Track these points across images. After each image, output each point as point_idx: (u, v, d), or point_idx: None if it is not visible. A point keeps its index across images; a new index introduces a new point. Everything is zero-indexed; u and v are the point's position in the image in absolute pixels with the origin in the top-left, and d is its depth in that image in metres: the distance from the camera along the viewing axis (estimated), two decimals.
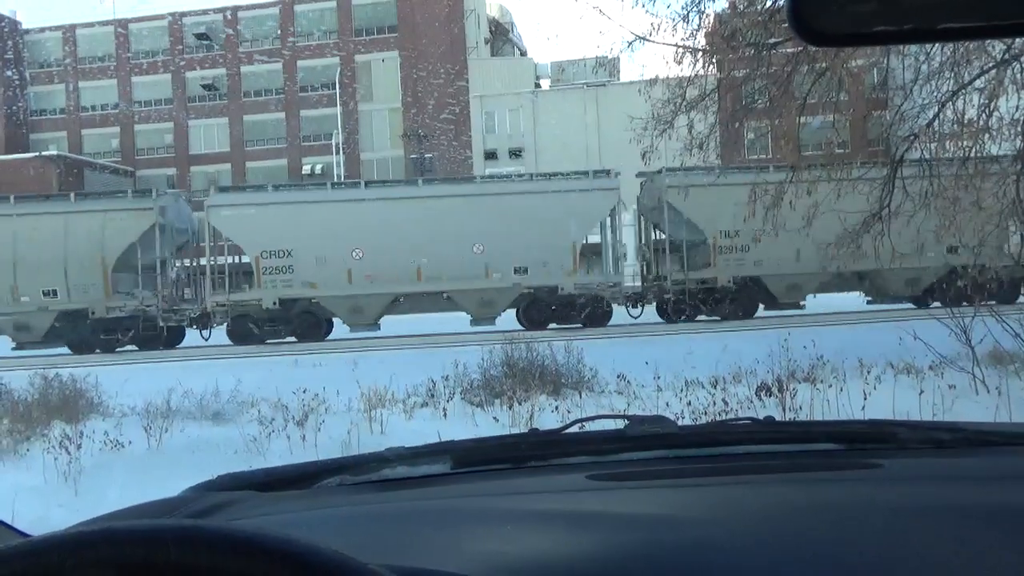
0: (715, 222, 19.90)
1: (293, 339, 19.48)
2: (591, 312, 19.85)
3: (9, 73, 45.45)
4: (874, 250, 9.96)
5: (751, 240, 19.43)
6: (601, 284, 20.19)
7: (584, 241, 20.57)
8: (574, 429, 1.58)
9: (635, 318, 20.25)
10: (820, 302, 21.21)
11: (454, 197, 20.35)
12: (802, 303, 20.78)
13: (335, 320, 20.45)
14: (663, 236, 21.16)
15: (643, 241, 22.13)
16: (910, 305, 20.40)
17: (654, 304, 20.84)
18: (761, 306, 20.76)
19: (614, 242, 20.60)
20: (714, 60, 9.55)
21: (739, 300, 20.37)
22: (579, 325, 19.50)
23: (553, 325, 19.63)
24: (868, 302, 20.73)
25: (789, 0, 0.85)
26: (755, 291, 20.57)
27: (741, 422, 1.69)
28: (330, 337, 19.95)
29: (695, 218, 20.31)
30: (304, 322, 19.86)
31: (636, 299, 20.88)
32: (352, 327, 19.81)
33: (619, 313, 20.41)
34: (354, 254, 19.43)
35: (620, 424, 1.54)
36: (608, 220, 20.52)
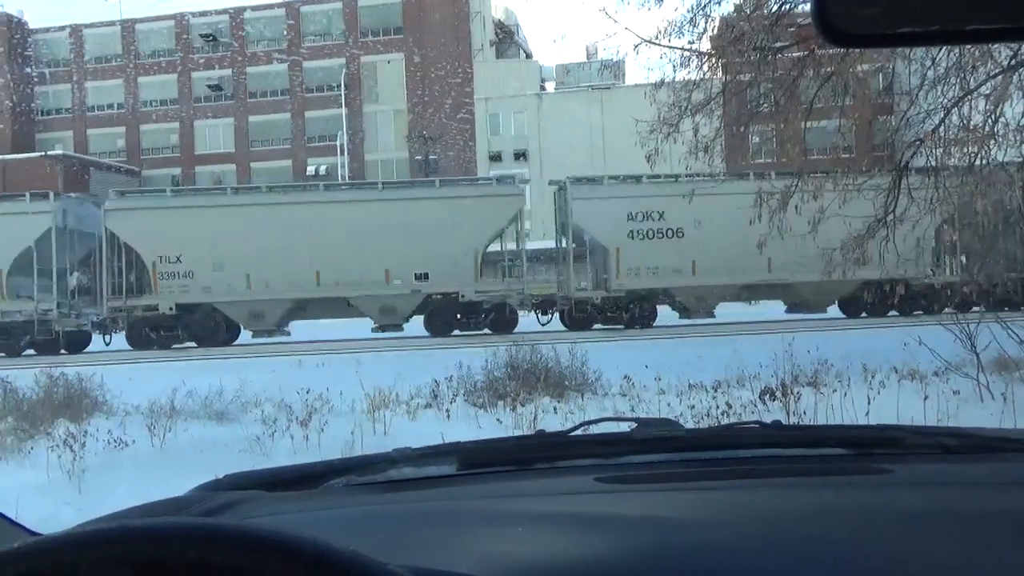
0: (156, 246, 19.84)
1: None
2: (52, 339, 19.65)
3: (16, 72, 45.58)
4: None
5: (198, 265, 19.48)
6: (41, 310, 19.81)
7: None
8: (580, 431, 1.58)
9: (107, 344, 19.93)
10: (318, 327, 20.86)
11: None
12: (287, 330, 20.78)
13: None
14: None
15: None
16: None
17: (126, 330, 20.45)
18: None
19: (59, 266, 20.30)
20: (720, 64, 9.56)
21: (193, 327, 20.08)
22: (62, 352, 19.34)
23: (31, 351, 19.53)
24: (373, 329, 20.49)
25: (814, 2, 0.85)
26: (211, 318, 20.28)
27: (748, 426, 1.69)
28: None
29: (133, 242, 20.24)
30: None
31: (106, 326, 20.66)
32: None
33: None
34: None
35: (627, 427, 1.54)
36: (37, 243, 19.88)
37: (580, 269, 21.64)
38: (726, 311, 20.84)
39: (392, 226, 19.52)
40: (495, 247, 21.50)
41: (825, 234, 20.72)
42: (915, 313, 20.31)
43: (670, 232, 20.39)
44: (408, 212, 19.85)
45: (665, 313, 21.06)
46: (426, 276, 19.99)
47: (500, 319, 20.23)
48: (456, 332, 20.02)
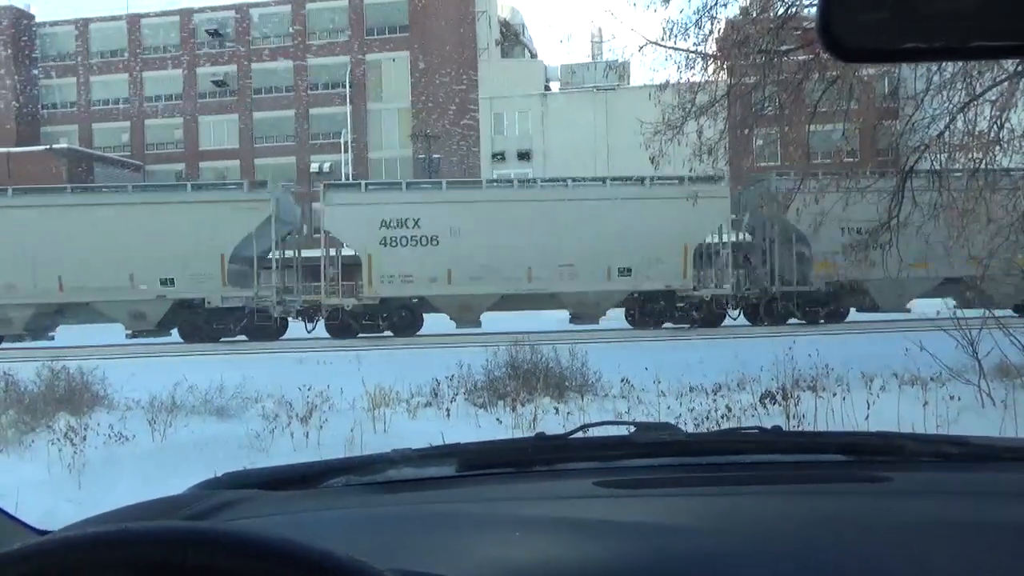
0: None
1: None
2: None
3: (22, 66, 45.64)
4: None
5: None
6: None
7: None
8: (580, 434, 1.57)
9: None
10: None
11: None
12: (51, 335, 20.75)
13: None
14: None
15: None
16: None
17: None
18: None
19: None
20: (725, 66, 9.56)
21: None
22: None
23: None
24: (127, 336, 20.33)
25: (820, 16, 0.84)
26: None
27: (749, 431, 1.68)
28: None
29: None
30: None
31: None
32: None
33: None
34: None
35: (627, 430, 1.54)
36: None
37: (338, 276, 21.48)
38: (501, 321, 20.08)
39: (137, 230, 19.41)
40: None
41: (597, 242, 20.39)
42: (692, 326, 20.22)
43: (425, 240, 20.28)
44: (153, 216, 19.73)
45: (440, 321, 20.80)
46: (172, 281, 19.87)
47: (251, 326, 20.13)
48: (223, 339, 19.96)
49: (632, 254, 19.99)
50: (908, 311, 20.10)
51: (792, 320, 20.48)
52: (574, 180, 21.80)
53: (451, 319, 20.74)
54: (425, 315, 21.01)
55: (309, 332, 20.84)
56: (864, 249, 10.14)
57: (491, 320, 20.19)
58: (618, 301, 20.74)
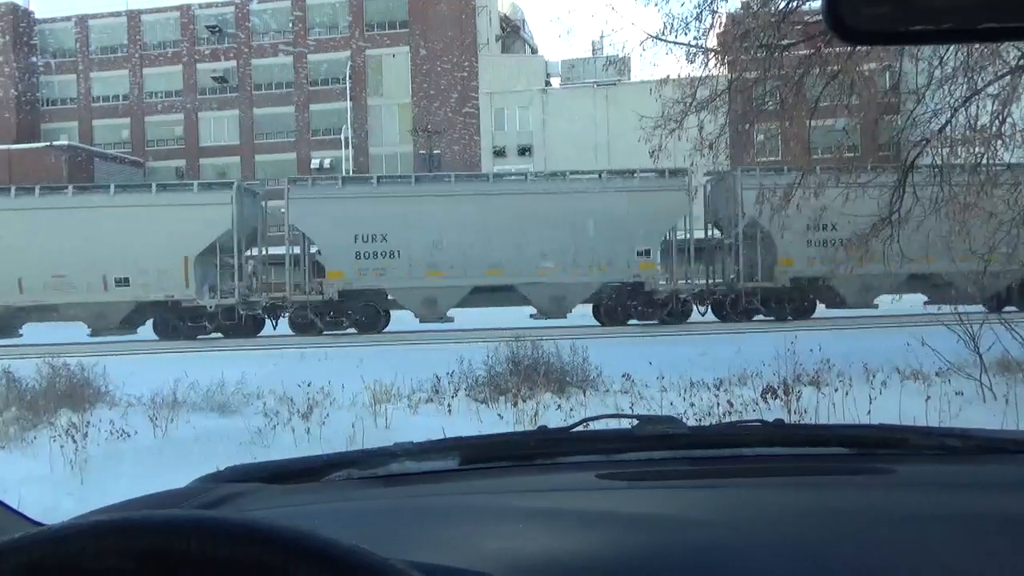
0: None
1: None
2: None
3: (22, 62, 45.60)
4: None
5: None
6: None
7: None
8: (582, 428, 1.57)
9: None
10: None
11: None
12: None
13: None
14: None
15: None
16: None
17: None
18: None
19: None
20: (725, 61, 9.54)
21: None
22: None
23: None
24: None
25: None
26: None
27: (750, 424, 1.68)
28: None
29: None
30: None
31: None
32: None
33: None
34: None
35: (628, 424, 1.54)
36: None
37: None
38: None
39: None
40: None
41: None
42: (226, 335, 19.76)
43: None
44: None
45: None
46: None
47: None
48: None
49: (130, 264, 19.46)
50: (452, 320, 20.11)
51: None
52: (76, 188, 21.33)
53: None
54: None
55: None
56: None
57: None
58: (125, 312, 20.07)
